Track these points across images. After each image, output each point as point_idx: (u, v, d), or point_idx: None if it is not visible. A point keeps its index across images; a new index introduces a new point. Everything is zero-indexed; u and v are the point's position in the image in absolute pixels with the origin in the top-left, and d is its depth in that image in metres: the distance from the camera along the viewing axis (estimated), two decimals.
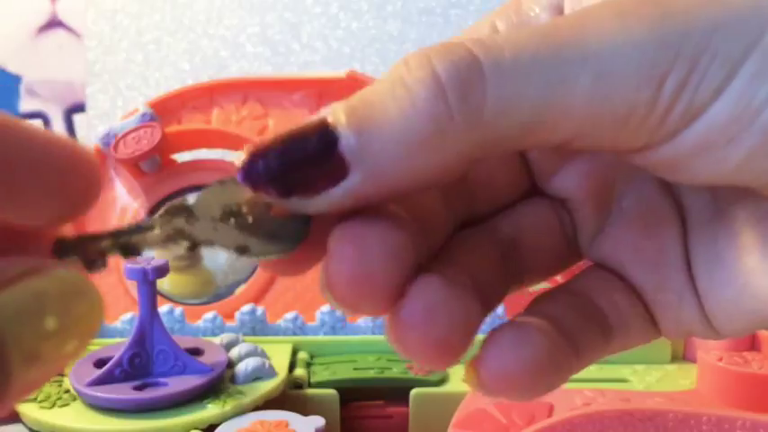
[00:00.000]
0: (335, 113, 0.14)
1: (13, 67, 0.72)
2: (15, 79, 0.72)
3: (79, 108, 0.72)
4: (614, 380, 0.41)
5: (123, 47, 0.64)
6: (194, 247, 0.15)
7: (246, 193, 0.15)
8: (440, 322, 0.15)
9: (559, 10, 0.18)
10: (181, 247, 0.15)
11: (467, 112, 0.14)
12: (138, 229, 0.14)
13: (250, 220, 0.15)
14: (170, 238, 0.15)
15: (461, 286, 0.16)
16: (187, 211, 0.15)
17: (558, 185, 0.19)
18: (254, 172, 0.14)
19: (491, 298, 0.18)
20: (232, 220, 0.15)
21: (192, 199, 0.15)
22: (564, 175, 0.19)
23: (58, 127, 0.72)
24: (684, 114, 0.14)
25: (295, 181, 0.14)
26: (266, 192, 0.14)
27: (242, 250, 0.15)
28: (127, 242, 0.14)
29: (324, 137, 0.14)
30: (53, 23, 0.70)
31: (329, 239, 0.15)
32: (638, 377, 0.41)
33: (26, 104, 0.72)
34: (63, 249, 0.14)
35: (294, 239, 0.15)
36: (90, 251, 0.14)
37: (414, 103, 0.14)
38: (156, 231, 0.15)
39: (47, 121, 0.72)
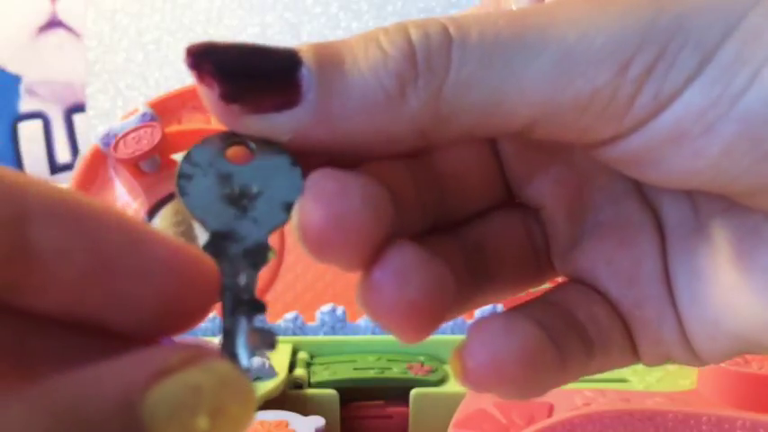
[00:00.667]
0: (305, 48, 0.14)
1: (13, 67, 0.72)
2: (15, 79, 0.72)
3: (79, 108, 0.72)
4: (614, 380, 0.41)
5: (123, 47, 0.64)
6: (273, 253, 0.15)
7: (213, 171, 0.14)
8: (412, 285, 0.14)
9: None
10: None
11: (430, 80, 0.14)
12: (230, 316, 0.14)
13: (254, 190, 0.14)
14: (255, 266, 0.14)
15: (434, 256, 0.15)
16: (216, 238, 0.14)
17: (532, 193, 0.18)
18: (204, 60, 0.14)
19: (453, 308, 0.17)
20: (244, 201, 0.14)
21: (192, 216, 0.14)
22: (538, 182, 0.18)
23: (58, 127, 0.72)
24: (653, 102, 0.14)
25: (243, 87, 0.14)
26: (209, 85, 0.14)
27: (284, 217, 0.15)
28: (235, 300, 0.14)
29: (287, 58, 0.14)
30: (53, 23, 0.70)
31: (309, 177, 0.14)
32: (639, 377, 0.41)
33: (26, 104, 0.73)
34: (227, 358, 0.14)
35: (292, 195, 0.14)
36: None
37: (385, 61, 0.14)
38: (243, 280, 0.14)
39: (47, 121, 0.73)
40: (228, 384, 0.11)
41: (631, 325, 0.17)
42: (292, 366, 0.41)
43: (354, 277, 0.40)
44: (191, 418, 0.10)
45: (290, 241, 0.49)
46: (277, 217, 0.14)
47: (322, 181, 0.14)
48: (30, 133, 0.74)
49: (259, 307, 0.14)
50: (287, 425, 0.33)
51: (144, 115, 0.49)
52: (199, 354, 0.11)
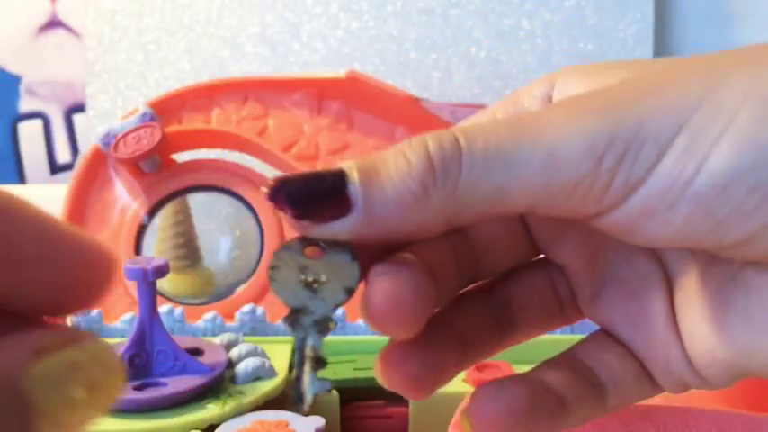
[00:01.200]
0: (349, 166, 0.18)
1: (13, 67, 0.72)
2: (15, 79, 0.72)
3: (79, 108, 0.72)
4: None
5: (123, 47, 0.64)
6: (335, 323, 0.19)
7: (293, 263, 0.19)
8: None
9: (550, 100, 0.22)
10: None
11: (446, 183, 0.18)
12: (301, 352, 0.19)
13: (322, 278, 0.19)
14: (322, 333, 0.19)
15: (436, 334, 0.20)
16: (295, 313, 0.19)
17: (556, 254, 0.23)
18: (278, 194, 0.18)
19: (477, 349, 0.22)
20: (315, 287, 0.19)
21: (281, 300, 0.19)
22: (561, 245, 0.22)
23: (58, 127, 0.72)
24: (624, 186, 0.18)
25: (309, 208, 0.18)
26: (285, 210, 0.18)
27: (342, 303, 0.19)
28: (312, 359, 0.19)
29: (337, 179, 0.18)
30: (53, 23, 0.70)
31: (371, 270, 0.19)
32: None
33: (26, 104, 0.73)
34: (296, 408, 0.19)
35: (351, 282, 0.19)
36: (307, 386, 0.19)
37: (410, 170, 0.18)
38: (310, 341, 0.19)
39: (47, 121, 0.73)
40: (101, 360, 0.13)
41: (645, 362, 0.21)
42: (293, 366, 0.41)
43: None
44: (70, 389, 0.12)
45: None
46: (340, 298, 0.19)
47: (380, 274, 0.18)
48: (30, 133, 0.73)
49: (321, 362, 0.19)
50: (287, 425, 0.33)
51: (144, 115, 0.49)
52: (75, 335, 0.13)
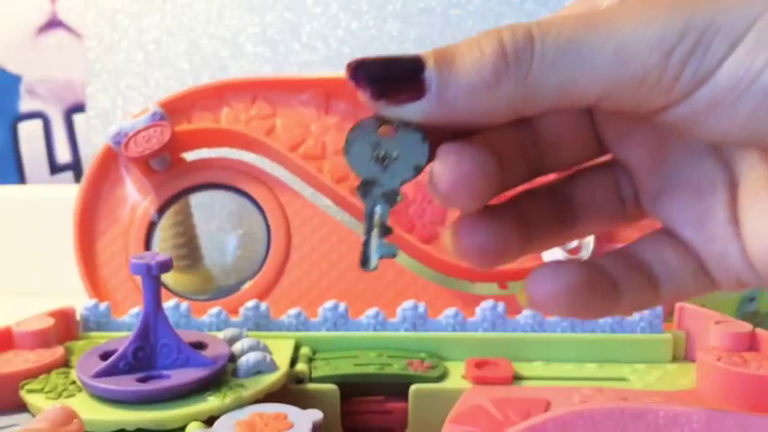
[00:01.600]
0: (426, 53, 0.19)
1: (13, 67, 0.73)
2: (15, 79, 0.73)
3: (79, 108, 0.73)
4: (614, 379, 0.41)
5: (123, 47, 0.65)
6: (401, 196, 0.21)
7: (367, 139, 0.21)
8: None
9: None
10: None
11: (517, 72, 0.19)
12: (371, 220, 0.21)
13: (393, 154, 0.21)
14: (389, 203, 0.21)
15: (502, 212, 0.22)
16: (366, 184, 0.21)
17: (621, 151, 0.23)
18: (359, 73, 0.19)
19: (539, 237, 0.23)
20: (385, 162, 0.21)
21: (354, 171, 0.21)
22: (627, 143, 0.23)
23: (58, 127, 0.73)
24: (693, 79, 0.18)
25: (386, 88, 0.19)
26: (363, 89, 0.20)
27: (415, 174, 0.21)
28: (380, 226, 0.21)
29: (414, 64, 0.19)
30: (53, 23, 0.71)
31: (439, 148, 0.20)
32: (638, 376, 0.41)
33: (26, 104, 0.74)
34: (366, 264, 0.21)
35: (420, 160, 0.21)
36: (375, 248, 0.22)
37: (482, 58, 0.19)
38: (379, 208, 0.21)
39: (47, 121, 0.74)
40: None
41: (703, 259, 0.22)
42: (295, 361, 0.41)
43: (355, 277, 0.43)
44: None
45: (296, 240, 0.50)
46: (408, 174, 0.21)
47: (447, 152, 0.20)
48: (30, 133, 0.74)
49: (388, 229, 0.21)
50: (285, 417, 0.33)
51: (154, 114, 0.50)
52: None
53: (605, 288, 0.22)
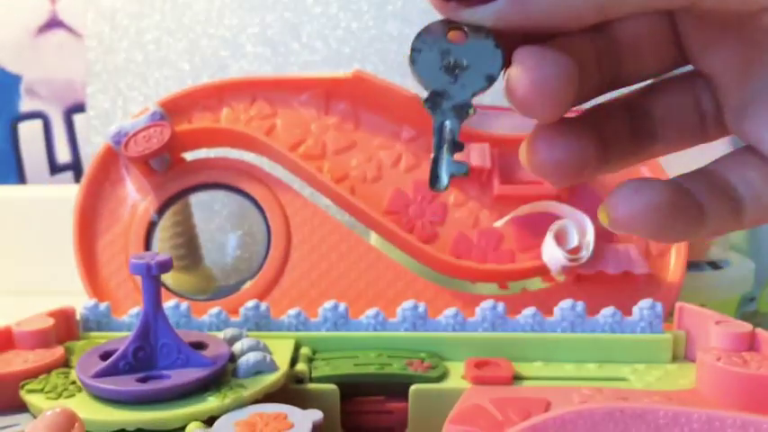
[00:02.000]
0: None
1: (13, 67, 0.73)
2: (15, 79, 0.73)
3: (79, 108, 0.73)
4: (614, 378, 0.41)
5: (123, 47, 0.65)
6: (473, 109, 0.20)
7: (436, 46, 0.19)
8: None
9: None
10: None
11: None
12: (441, 131, 0.20)
13: (464, 62, 0.19)
14: (458, 115, 0.20)
15: (580, 125, 0.20)
16: (434, 96, 0.20)
17: (706, 62, 0.21)
18: None
19: (616, 154, 0.21)
20: (456, 72, 0.19)
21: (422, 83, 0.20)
22: (713, 52, 0.21)
23: (58, 127, 0.73)
24: None
25: None
26: None
27: (489, 82, 0.20)
28: (450, 141, 0.20)
29: None
30: (53, 23, 0.71)
31: (516, 51, 0.18)
32: (638, 376, 0.41)
33: (26, 104, 0.74)
34: (435, 184, 0.20)
35: (494, 69, 0.19)
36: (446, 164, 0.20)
37: None
38: (449, 122, 0.20)
39: (47, 121, 0.74)
40: None
41: None
42: (295, 361, 0.41)
43: (355, 276, 0.43)
44: None
45: (296, 240, 0.50)
46: (480, 84, 0.19)
47: (526, 55, 0.18)
48: (30, 133, 0.74)
49: (459, 146, 0.20)
50: (285, 417, 0.33)
51: (154, 114, 0.50)
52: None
53: (691, 210, 0.20)
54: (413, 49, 0.19)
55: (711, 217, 0.21)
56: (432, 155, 0.20)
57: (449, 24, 0.19)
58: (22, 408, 0.36)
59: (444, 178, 0.20)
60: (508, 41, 0.19)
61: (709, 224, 0.21)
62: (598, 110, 0.22)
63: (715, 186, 0.21)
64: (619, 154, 0.22)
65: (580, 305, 0.44)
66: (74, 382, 0.37)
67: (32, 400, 0.35)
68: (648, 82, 0.23)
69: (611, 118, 0.22)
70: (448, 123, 0.20)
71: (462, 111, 0.20)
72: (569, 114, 0.20)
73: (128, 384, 0.35)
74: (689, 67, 0.23)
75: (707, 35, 0.21)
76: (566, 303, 0.44)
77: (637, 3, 0.18)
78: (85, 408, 0.34)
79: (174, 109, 0.52)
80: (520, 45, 0.19)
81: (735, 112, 0.21)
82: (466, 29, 0.19)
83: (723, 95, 0.22)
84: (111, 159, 0.51)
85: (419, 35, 0.20)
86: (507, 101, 0.18)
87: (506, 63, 0.19)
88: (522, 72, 0.18)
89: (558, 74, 0.18)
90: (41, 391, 0.36)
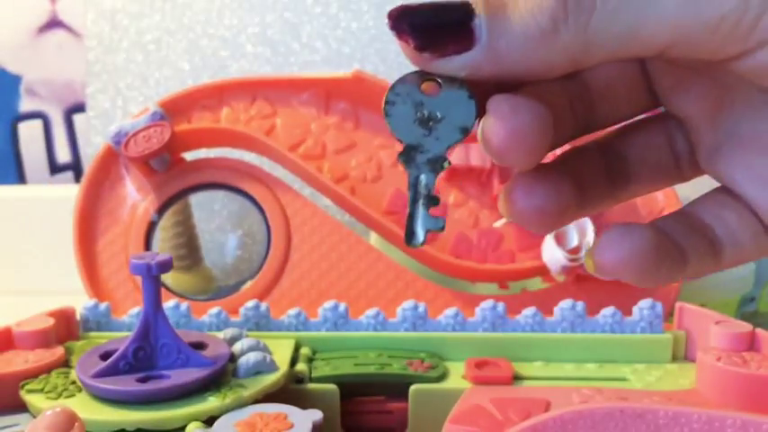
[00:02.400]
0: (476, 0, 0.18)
1: (13, 67, 0.73)
2: (15, 79, 0.73)
3: (79, 108, 0.73)
4: (614, 378, 0.41)
5: (123, 47, 0.65)
6: (448, 163, 0.20)
7: (410, 100, 0.19)
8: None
9: None
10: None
11: (578, 17, 0.17)
12: (416, 186, 0.20)
13: (437, 115, 0.19)
14: (434, 171, 0.19)
15: (557, 171, 0.20)
16: (409, 150, 0.19)
17: (677, 104, 0.22)
18: (401, 22, 0.18)
19: (593, 198, 0.21)
20: (430, 124, 0.19)
21: (396, 137, 0.19)
22: (684, 95, 0.21)
23: (58, 127, 0.73)
24: None
25: (431, 39, 0.18)
26: (406, 41, 0.18)
27: (463, 134, 0.19)
28: (425, 197, 0.20)
29: (462, 11, 0.18)
30: (53, 23, 0.71)
31: (490, 100, 0.18)
32: (638, 376, 0.41)
33: (26, 104, 0.74)
34: (410, 240, 0.20)
35: (468, 121, 0.19)
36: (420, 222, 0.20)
37: (540, 6, 0.17)
38: (423, 177, 0.20)
39: (47, 121, 0.74)
40: None
41: (766, 219, 0.21)
42: (294, 361, 0.41)
43: (355, 276, 0.43)
44: None
45: (296, 240, 0.50)
46: (454, 137, 0.19)
47: (500, 104, 0.18)
48: (30, 133, 0.74)
49: (434, 200, 0.20)
50: (285, 417, 0.33)
51: (154, 114, 0.50)
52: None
53: (673, 254, 0.20)
54: (386, 102, 0.19)
55: (692, 260, 0.21)
56: (407, 210, 0.20)
57: (423, 76, 0.19)
58: (22, 408, 0.36)
59: (420, 234, 0.20)
60: (481, 90, 0.19)
61: (690, 267, 0.21)
62: (573, 153, 0.22)
63: (694, 229, 0.21)
64: (596, 196, 0.22)
65: (580, 305, 0.44)
66: (74, 382, 0.37)
67: (32, 400, 0.35)
68: (621, 124, 0.23)
69: (586, 161, 0.22)
70: (423, 178, 0.20)
71: (437, 164, 0.19)
72: (545, 159, 0.21)
73: (128, 384, 0.35)
74: (661, 108, 0.23)
75: (677, 78, 0.21)
76: (566, 303, 0.44)
77: (607, 53, 0.18)
78: (85, 408, 0.34)
79: (174, 109, 0.52)
80: (493, 93, 0.19)
81: (707, 152, 0.22)
82: (439, 80, 0.19)
83: (695, 136, 0.22)
84: (111, 159, 0.51)
85: (393, 87, 0.19)
86: (483, 149, 0.18)
87: (480, 112, 0.19)
88: (496, 121, 0.18)
89: (532, 122, 0.18)
90: (41, 391, 0.36)
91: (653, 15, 0.17)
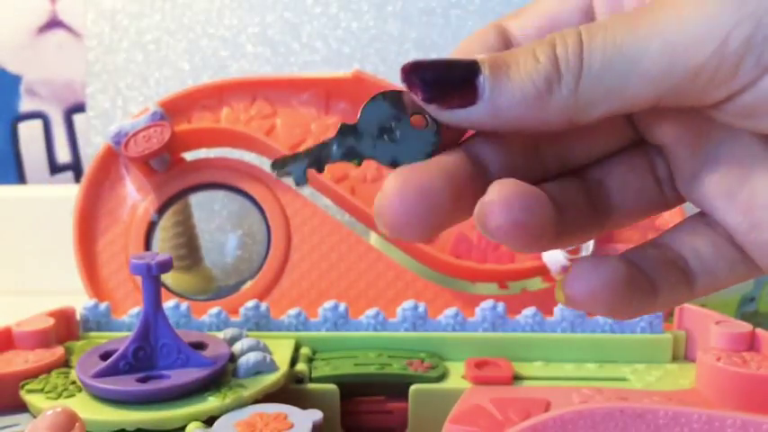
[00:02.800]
0: (482, 59, 0.19)
1: (13, 67, 0.73)
2: (15, 79, 0.73)
3: (79, 108, 0.73)
4: (614, 378, 0.41)
5: (123, 47, 0.65)
6: (361, 162, 0.20)
7: (394, 109, 0.20)
8: (515, 207, 0.19)
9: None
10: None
11: (569, 80, 0.18)
12: (323, 146, 0.20)
13: (398, 135, 0.20)
14: (345, 156, 0.20)
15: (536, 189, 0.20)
16: (355, 132, 0.20)
17: (656, 133, 0.22)
18: (412, 76, 0.19)
19: (575, 225, 0.22)
20: (385, 136, 0.20)
21: (358, 118, 0.20)
22: (663, 123, 0.22)
23: (58, 127, 0.73)
24: (756, 67, 0.17)
25: (438, 93, 0.19)
26: (416, 93, 0.19)
27: (394, 164, 0.20)
28: (318, 157, 0.20)
29: (469, 69, 0.19)
30: (53, 23, 0.71)
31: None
32: (638, 376, 0.41)
33: (26, 104, 0.74)
34: (276, 166, 0.20)
35: (429, 149, 0.20)
36: (295, 166, 0.20)
37: (536, 67, 0.19)
38: (335, 149, 0.20)
39: (47, 121, 0.74)
40: None
41: (746, 246, 0.21)
42: (294, 361, 0.41)
43: (355, 276, 0.43)
44: None
45: (296, 240, 0.50)
46: (385, 159, 0.20)
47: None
48: (30, 133, 0.74)
49: (320, 167, 0.20)
50: (285, 417, 0.33)
51: (154, 114, 0.50)
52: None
53: (644, 286, 0.21)
54: (380, 94, 0.20)
55: (663, 290, 0.21)
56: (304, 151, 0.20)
57: (417, 109, 0.20)
58: (22, 408, 0.36)
59: (288, 171, 0.20)
60: (452, 132, 0.20)
61: (661, 298, 0.21)
62: (553, 181, 0.22)
63: (667, 260, 0.21)
64: (579, 224, 0.22)
65: None
66: (74, 382, 0.37)
67: (32, 400, 0.35)
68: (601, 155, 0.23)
69: (566, 188, 0.22)
70: (334, 152, 0.20)
71: (347, 158, 0.20)
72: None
73: (128, 384, 0.35)
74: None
75: (657, 110, 0.21)
76: None
77: (600, 112, 0.19)
78: (85, 408, 0.34)
79: (174, 109, 0.51)
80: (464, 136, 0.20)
81: (687, 179, 0.22)
82: (428, 118, 0.20)
83: (674, 163, 0.22)
84: (111, 159, 0.51)
85: (394, 93, 0.20)
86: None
87: (437, 149, 0.20)
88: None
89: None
90: (41, 391, 0.36)
91: (634, 75, 0.18)
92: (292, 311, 0.45)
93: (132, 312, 0.45)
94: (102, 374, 0.36)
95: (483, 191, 0.19)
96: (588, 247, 0.47)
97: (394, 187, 0.19)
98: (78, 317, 0.45)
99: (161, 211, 0.51)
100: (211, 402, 0.35)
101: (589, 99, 0.19)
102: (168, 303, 0.44)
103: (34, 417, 0.35)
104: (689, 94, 0.18)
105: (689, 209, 0.22)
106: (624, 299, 0.20)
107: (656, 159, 0.23)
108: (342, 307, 0.45)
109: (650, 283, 0.21)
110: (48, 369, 0.38)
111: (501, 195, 0.19)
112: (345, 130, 0.20)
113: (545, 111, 0.19)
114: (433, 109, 0.19)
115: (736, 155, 0.21)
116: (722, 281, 0.22)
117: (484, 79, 0.19)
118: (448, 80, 0.19)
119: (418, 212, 0.19)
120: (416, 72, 0.19)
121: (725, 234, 0.21)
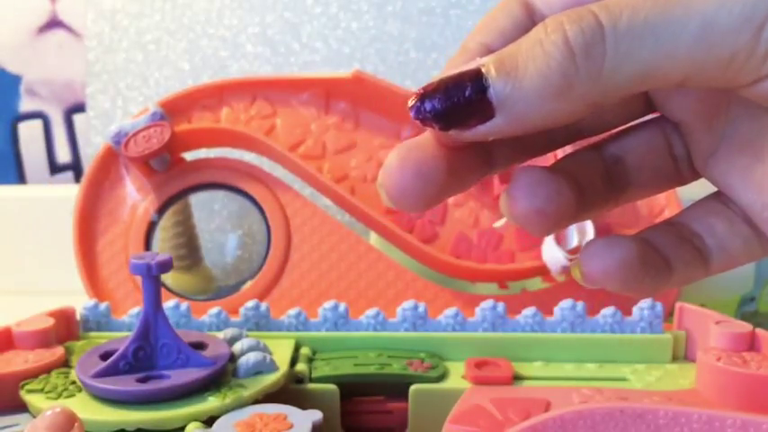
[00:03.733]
0: (487, 66, 0.18)
1: (13, 67, 0.73)
2: (15, 79, 0.73)
3: (79, 108, 0.73)
4: (614, 379, 0.41)
5: (123, 47, 0.65)
6: None
7: None
8: (539, 195, 0.19)
9: None
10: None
11: (590, 68, 0.17)
12: None
13: None
14: None
15: (558, 174, 0.21)
16: None
17: (674, 109, 0.22)
18: (422, 111, 0.19)
19: (592, 202, 0.22)
20: None
21: None
22: (681, 99, 0.21)
23: (58, 127, 0.73)
24: None
25: (453, 119, 0.18)
26: (431, 127, 0.19)
27: None
28: None
29: (476, 85, 0.18)
30: (53, 23, 0.71)
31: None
32: (638, 376, 0.41)
33: (26, 104, 0.74)
34: None
35: None
36: None
37: (548, 63, 0.17)
38: None
39: (47, 122, 0.74)
40: None
41: (760, 225, 0.21)
42: (294, 361, 0.41)
43: (355, 276, 0.43)
44: None
45: (296, 240, 0.50)
46: None
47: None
48: (30, 133, 0.74)
49: None
50: (285, 417, 0.33)
51: (154, 114, 0.50)
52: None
53: (658, 264, 0.21)
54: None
55: (678, 269, 0.21)
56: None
57: None
58: (22, 408, 0.36)
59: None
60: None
61: (676, 276, 0.21)
62: (571, 157, 0.22)
63: (682, 238, 0.22)
64: (596, 200, 0.22)
65: (580, 305, 0.44)
66: (74, 382, 0.37)
67: (32, 400, 0.35)
68: (618, 129, 0.23)
69: (584, 165, 0.22)
70: None
71: None
72: (545, 163, 0.21)
73: (128, 384, 0.35)
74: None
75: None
76: (566, 303, 0.44)
77: (624, 92, 0.18)
78: (85, 408, 0.34)
79: (174, 109, 0.52)
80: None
81: (704, 156, 0.22)
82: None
83: (691, 140, 0.22)
84: (111, 159, 0.51)
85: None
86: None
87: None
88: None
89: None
90: (41, 391, 0.36)
91: (666, 55, 0.17)
92: (292, 311, 0.45)
93: (132, 312, 0.45)
94: (102, 374, 0.36)
95: (481, 163, 0.20)
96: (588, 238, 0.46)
97: (395, 162, 0.19)
98: (78, 317, 0.45)
99: (161, 211, 0.51)
100: (211, 402, 0.35)
101: (614, 82, 0.18)
102: (168, 303, 0.44)
103: (34, 417, 0.35)
104: (718, 78, 0.18)
105: (689, 199, 0.23)
106: (638, 276, 0.20)
107: (673, 136, 0.22)
108: (342, 307, 0.45)
109: (665, 260, 0.21)
110: (48, 369, 0.38)
111: (525, 184, 0.19)
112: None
113: (567, 105, 0.18)
114: (455, 133, 0.19)
115: (754, 132, 0.20)
116: (737, 258, 0.22)
117: (495, 90, 0.18)
118: (460, 104, 0.18)
119: (416, 186, 0.19)
120: (423, 104, 0.18)
121: (740, 212, 0.21)
